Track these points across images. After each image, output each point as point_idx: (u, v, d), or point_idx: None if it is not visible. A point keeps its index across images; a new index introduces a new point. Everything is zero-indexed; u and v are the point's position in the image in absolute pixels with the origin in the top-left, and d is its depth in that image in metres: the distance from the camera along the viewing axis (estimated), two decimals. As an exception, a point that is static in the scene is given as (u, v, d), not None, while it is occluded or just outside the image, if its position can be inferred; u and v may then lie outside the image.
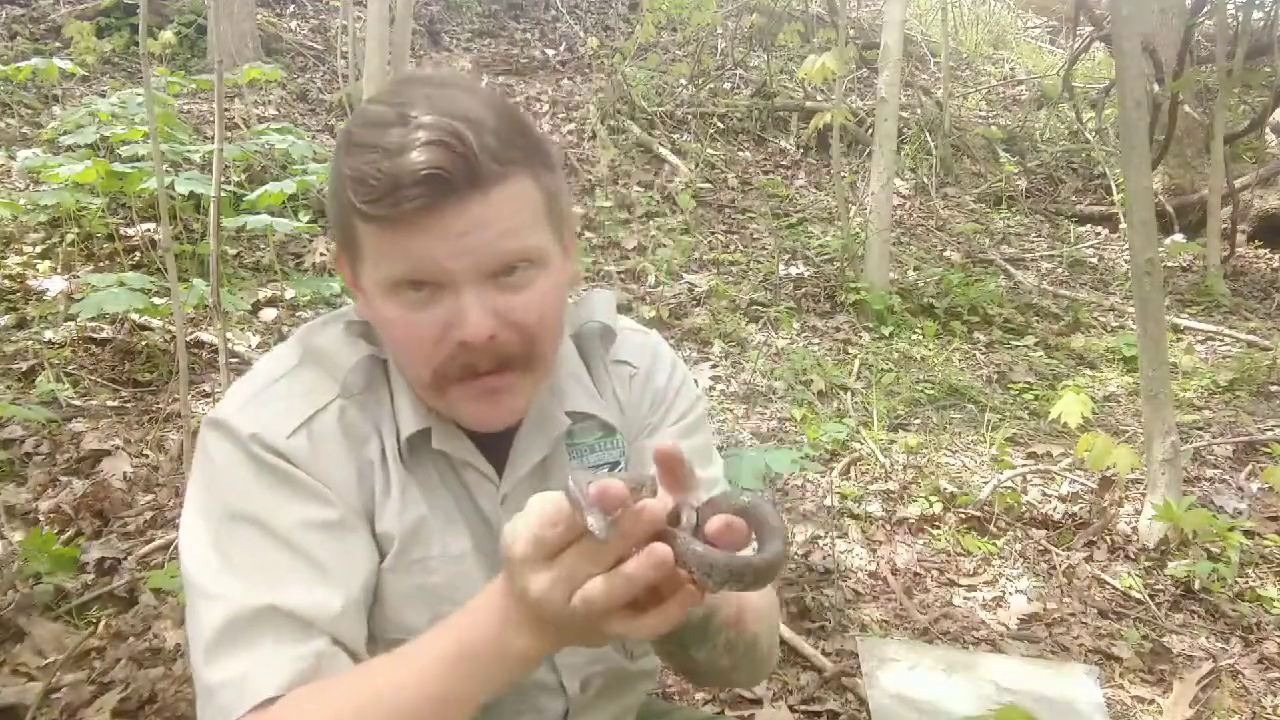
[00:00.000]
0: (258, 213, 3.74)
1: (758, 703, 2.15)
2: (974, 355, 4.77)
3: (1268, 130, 7.21)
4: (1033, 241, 6.73)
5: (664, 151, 6.73)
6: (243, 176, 4.66)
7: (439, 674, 0.77)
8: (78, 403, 3.05)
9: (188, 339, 3.16)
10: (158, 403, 3.13)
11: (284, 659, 0.82)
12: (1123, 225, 6.37)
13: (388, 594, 0.93)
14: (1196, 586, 2.68)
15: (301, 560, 0.86)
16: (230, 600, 0.84)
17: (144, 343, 3.42)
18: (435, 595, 0.94)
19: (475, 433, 0.98)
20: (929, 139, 7.36)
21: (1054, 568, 2.81)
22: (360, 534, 0.92)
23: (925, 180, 7.12)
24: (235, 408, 0.92)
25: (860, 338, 4.75)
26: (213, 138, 3.32)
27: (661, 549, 0.67)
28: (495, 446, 0.99)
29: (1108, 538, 2.95)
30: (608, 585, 0.67)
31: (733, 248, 5.70)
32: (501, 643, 0.75)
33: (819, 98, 7.49)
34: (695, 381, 1.16)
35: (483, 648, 0.76)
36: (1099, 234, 6.93)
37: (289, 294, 3.96)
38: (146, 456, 2.84)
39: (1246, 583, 2.73)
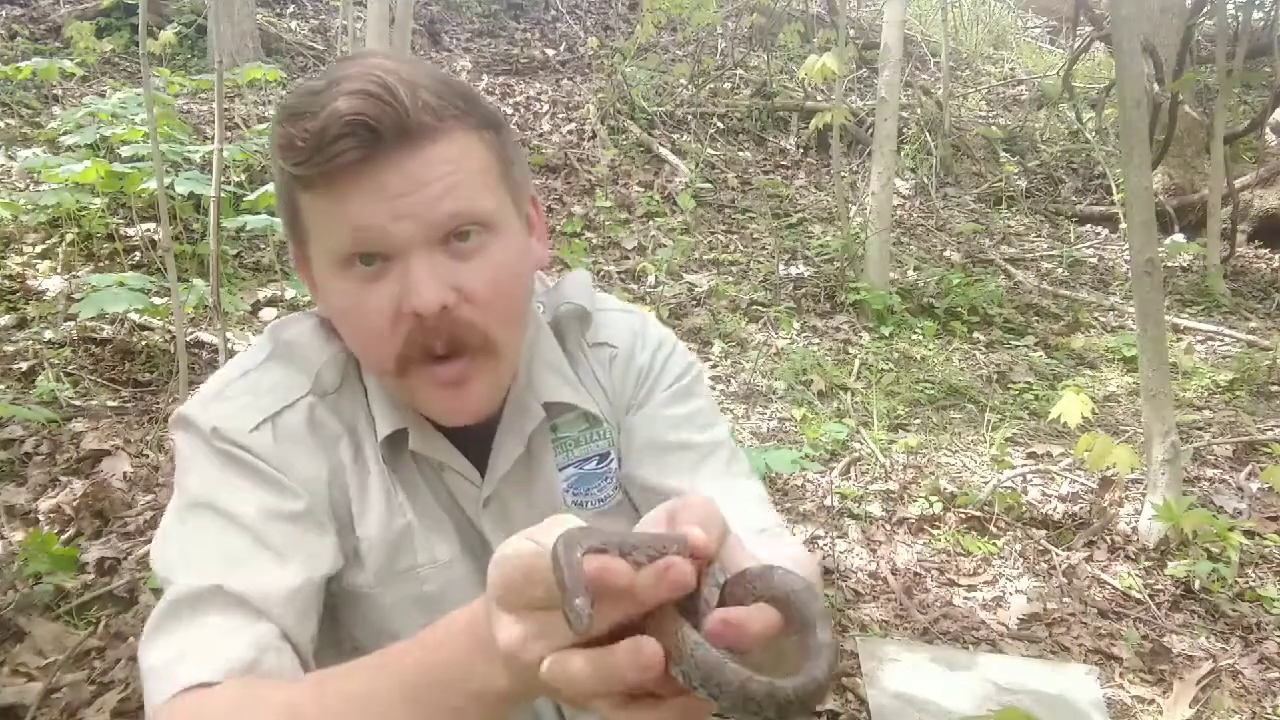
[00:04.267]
0: (258, 213, 3.74)
1: (758, 703, 2.14)
2: (974, 355, 4.77)
3: (1268, 130, 7.20)
4: (1033, 241, 6.73)
5: (664, 151, 6.72)
6: (243, 176, 4.66)
7: (392, 698, 0.66)
8: (78, 403, 3.04)
9: (188, 339, 3.16)
10: (158, 403, 3.13)
11: (223, 644, 0.76)
12: (1123, 225, 6.36)
13: (379, 606, 0.90)
14: (1196, 586, 2.68)
15: (257, 545, 0.82)
16: (178, 584, 0.79)
17: (144, 343, 3.41)
18: (429, 604, 0.90)
19: (454, 433, 0.93)
20: (929, 139, 7.35)
21: (1054, 568, 2.80)
22: (325, 532, 0.87)
23: (925, 180, 7.12)
24: (200, 404, 0.90)
25: (860, 338, 4.75)
26: (213, 138, 3.32)
27: (651, 650, 0.51)
28: (477, 448, 0.95)
29: (1108, 538, 2.95)
30: (593, 669, 0.52)
31: (733, 248, 5.69)
32: (470, 674, 0.61)
33: (819, 98, 7.48)
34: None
35: (449, 675, 0.63)
36: (1099, 234, 6.93)
37: (289, 294, 3.96)
38: (146, 456, 2.84)
39: (1246, 583, 2.72)
